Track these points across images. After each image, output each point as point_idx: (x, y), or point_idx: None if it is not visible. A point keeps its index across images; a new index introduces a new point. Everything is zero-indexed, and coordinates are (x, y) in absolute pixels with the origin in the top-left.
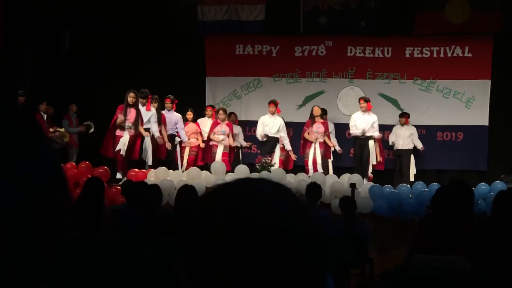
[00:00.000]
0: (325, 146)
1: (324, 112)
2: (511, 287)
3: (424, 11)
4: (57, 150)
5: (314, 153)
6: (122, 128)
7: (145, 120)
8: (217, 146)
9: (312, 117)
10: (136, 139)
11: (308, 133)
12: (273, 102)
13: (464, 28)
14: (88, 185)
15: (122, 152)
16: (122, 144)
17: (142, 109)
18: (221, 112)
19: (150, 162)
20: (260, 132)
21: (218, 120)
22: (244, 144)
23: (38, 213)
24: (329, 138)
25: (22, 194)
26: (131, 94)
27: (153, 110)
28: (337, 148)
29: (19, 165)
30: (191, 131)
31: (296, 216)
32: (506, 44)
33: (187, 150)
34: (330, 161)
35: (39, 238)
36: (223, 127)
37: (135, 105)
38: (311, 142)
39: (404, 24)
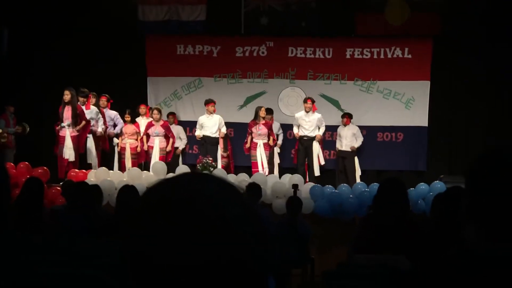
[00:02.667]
0: (269, 147)
1: (270, 112)
2: (450, 285)
3: (364, 12)
4: None
5: (261, 155)
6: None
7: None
8: (152, 147)
9: (256, 118)
10: (80, 138)
11: (252, 134)
12: (211, 102)
13: (404, 30)
14: (27, 185)
15: (72, 159)
16: (68, 153)
17: (82, 108)
18: (155, 112)
19: (94, 162)
20: (199, 132)
21: (153, 122)
22: (183, 145)
23: None
24: (272, 136)
25: None
26: (66, 92)
27: (93, 108)
28: (277, 145)
29: None
30: (129, 132)
31: (242, 215)
32: (445, 46)
33: (127, 154)
34: (276, 162)
35: None
36: (157, 128)
37: (71, 103)
38: (256, 143)
39: (345, 25)
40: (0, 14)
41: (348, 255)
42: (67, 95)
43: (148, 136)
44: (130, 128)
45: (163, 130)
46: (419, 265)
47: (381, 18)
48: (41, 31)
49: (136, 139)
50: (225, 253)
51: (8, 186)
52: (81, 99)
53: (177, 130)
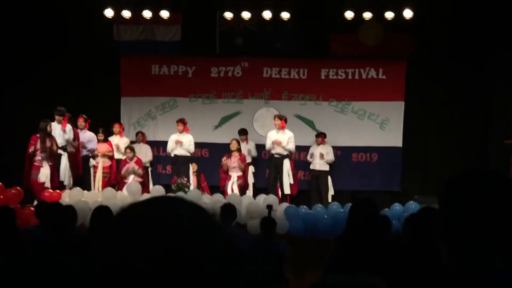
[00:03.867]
0: (243, 178)
1: (244, 132)
2: None
3: (338, 33)
4: None
5: (232, 186)
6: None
7: (61, 138)
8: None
9: (229, 151)
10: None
11: (226, 166)
12: (181, 121)
13: (378, 51)
14: None
15: (47, 184)
16: (45, 176)
17: (58, 126)
18: (128, 151)
19: (67, 182)
20: (170, 150)
21: (127, 159)
22: (148, 161)
23: None
24: (246, 168)
25: None
26: (50, 124)
27: (69, 126)
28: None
29: None
30: (102, 151)
31: (211, 237)
32: (418, 67)
33: (99, 173)
34: (251, 182)
35: None
36: (132, 165)
37: (51, 136)
38: (230, 175)
39: (320, 46)
40: None
41: (322, 275)
42: (50, 127)
43: (126, 174)
44: (103, 147)
45: (138, 167)
46: (394, 286)
47: (355, 39)
48: (15, 51)
49: (109, 158)
50: (193, 274)
51: None
52: (57, 117)
53: (144, 149)
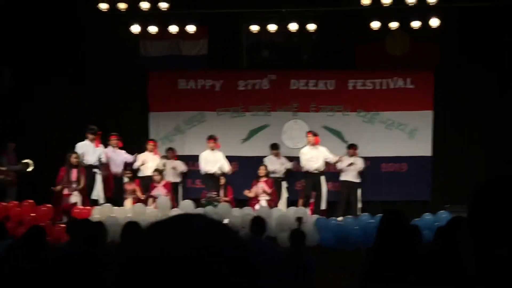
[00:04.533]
0: (268, 202)
1: (276, 147)
2: None
3: (365, 43)
4: None
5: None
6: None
7: (94, 156)
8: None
9: (257, 177)
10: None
11: (250, 191)
12: (212, 138)
13: (404, 60)
14: (29, 234)
15: (79, 205)
16: (75, 198)
17: (91, 145)
18: (155, 173)
19: (101, 200)
20: (203, 168)
21: (155, 183)
22: (184, 169)
23: None
24: (274, 194)
25: None
26: (74, 155)
27: (101, 146)
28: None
29: None
30: (129, 191)
31: (230, 255)
32: (446, 75)
33: (128, 202)
34: (284, 197)
35: None
36: (159, 190)
37: (77, 166)
38: (258, 200)
39: (346, 57)
40: (2, 55)
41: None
42: (75, 158)
43: (152, 197)
44: (130, 186)
45: (165, 191)
46: None
47: (382, 49)
48: (43, 69)
49: (136, 198)
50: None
51: None
52: (90, 136)
53: (175, 164)
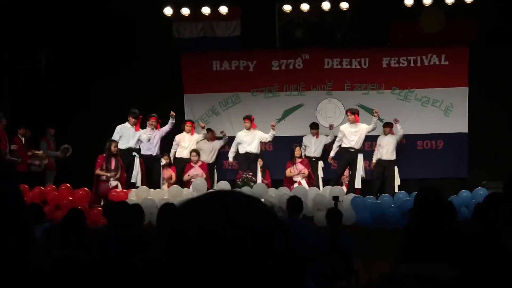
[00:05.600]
0: (308, 183)
1: (315, 126)
2: None
3: (399, 21)
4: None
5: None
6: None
7: (134, 140)
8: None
9: (292, 158)
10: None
11: (290, 172)
12: (248, 118)
13: (440, 37)
14: (69, 217)
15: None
16: (115, 183)
17: (132, 128)
18: (193, 154)
19: (139, 183)
20: (232, 152)
21: (192, 163)
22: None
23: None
24: (311, 174)
25: None
26: (114, 144)
27: (141, 130)
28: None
29: None
30: (166, 177)
31: (270, 231)
32: (482, 51)
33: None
34: (320, 177)
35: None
36: (196, 170)
37: (116, 154)
38: (294, 181)
39: (380, 35)
40: (37, 39)
41: (391, 265)
42: (114, 147)
43: (188, 179)
44: (167, 172)
45: (201, 171)
46: (463, 274)
47: (417, 26)
48: (79, 54)
49: (173, 183)
50: (254, 271)
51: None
52: (131, 119)
53: (214, 145)
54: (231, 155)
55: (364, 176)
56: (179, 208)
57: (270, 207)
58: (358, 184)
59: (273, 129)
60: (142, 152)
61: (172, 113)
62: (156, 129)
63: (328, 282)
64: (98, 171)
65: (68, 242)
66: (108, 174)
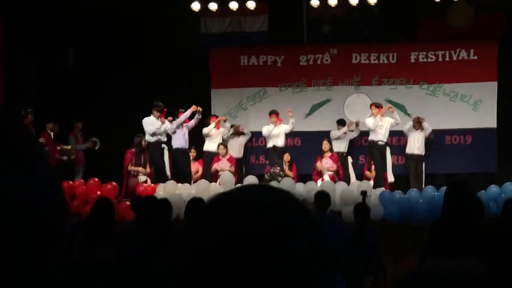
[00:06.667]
0: (335, 178)
1: (342, 122)
2: None
3: (426, 16)
4: (58, 172)
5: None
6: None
7: (160, 132)
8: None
9: (321, 152)
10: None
11: (319, 167)
12: (274, 112)
13: (468, 32)
14: (98, 206)
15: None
16: (144, 178)
17: (157, 121)
18: (221, 147)
19: (168, 173)
20: (266, 135)
21: (220, 156)
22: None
23: (26, 237)
24: (340, 169)
25: (7, 218)
26: (143, 138)
27: (167, 122)
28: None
29: (4, 191)
30: (193, 171)
31: (299, 223)
32: (510, 45)
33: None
34: (352, 173)
35: (28, 261)
36: (224, 162)
37: (145, 149)
38: (322, 175)
39: (408, 30)
40: (65, 35)
41: (419, 261)
42: (144, 141)
43: (216, 171)
44: (194, 166)
45: (229, 164)
46: (493, 270)
47: (444, 22)
48: (104, 49)
49: (198, 177)
50: (281, 265)
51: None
52: (156, 113)
53: (240, 139)
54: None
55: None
56: (209, 202)
57: (301, 200)
58: (391, 178)
59: (291, 117)
60: (174, 146)
61: (199, 108)
62: (185, 122)
63: (355, 278)
64: (130, 167)
65: (95, 238)
66: (140, 169)
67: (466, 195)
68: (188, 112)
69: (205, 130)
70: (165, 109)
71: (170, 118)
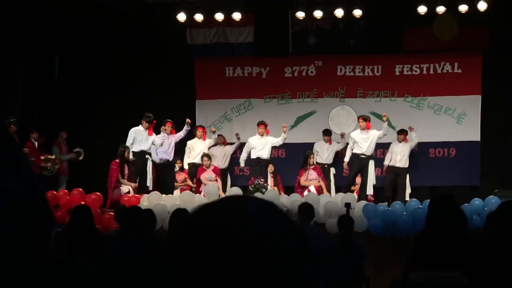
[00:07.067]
0: (320, 190)
1: (328, 133)
2: None
3: (412, 28)
4: (43, 177)
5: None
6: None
7: (148, 143)
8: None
9: (305, 165)
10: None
11: (305, 180)
12: (262, 123)
13: (453, 45)
14: (75, 214)
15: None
16: (127, 189)
17: (145, 132)
18: (205, 159)
19: (149, 183)
20: (243, 157)
21: (204, 167)
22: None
23: (20, 233)
24: (323, 181)
25: (4, 213)
26: (127, 150)
27: (154, 135)
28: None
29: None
30: (180, 180)
31: (285, 233)
32: (495, 59)
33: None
34: (333, 184)
35: (21, 258)
36: (209, 173)
37: (128, 161)
38: (306, 188)
39: (393, 42)
40: (50, 42)
41: (402, 273)
42: (127, 154)
43: (199, 182)
44: (180, 176)
45: (215, 175)
46: (476, 282)
47: (429, 34)
48: (90, 57)
49: (186, 186)
50: (267, 274)
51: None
52: (145, 123)
53: (226, 150)
54: (242, 160)
55: (375, 183)
56: (194, 212)
57: (285, 211)
58: (369, 190)
59: (284, 132)
60: (158, 157)
61: (188, 120)
62: (171, 134)
63: None
64: (122, 180)
65: (78, 247)
66: (132, 185)
67: (451, 206)
68: (182, 133)
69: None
70: (155, 121)
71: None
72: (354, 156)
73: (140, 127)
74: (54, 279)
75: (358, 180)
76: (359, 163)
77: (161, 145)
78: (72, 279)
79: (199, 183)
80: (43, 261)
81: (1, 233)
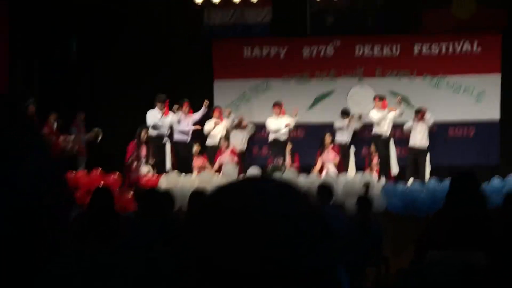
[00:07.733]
0: (337, 169)
1: (346, 113)
2: None
3: (430, 8)
4: (63, 158)
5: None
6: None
7: (165, 127)
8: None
9: (322, 146)
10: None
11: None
12: (277, 104)
13: (471, 24)
14: (96, 196)
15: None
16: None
17: (159, 113)
18: (223, 140)
19: (168, 166)
20: (273, 129)
21: (222, 150)
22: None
23: (20, 233)
24: (341, 161)
25: (4, 213)
26: (144, 131)
27: (171, 114)
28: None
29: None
30: (197, 165)
31: (298, 216)
32: None
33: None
34: (352, 164)
35: (21, 258)
36: (226, 157)
37: (147, 142)
38: (325, 168)
39: (411, 22)
40: (68, 24)
41: (415, 251)
42: (145, 134)
43: (219, 166)
44: (198, 161)
45: (232, 157)
46: (496, 261)
47: (448, 13)
48: (108, 39)
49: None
50: (283, 257)
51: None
52: (159, 104)
53: (243, 133)
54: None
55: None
56: (210, 194)
57: (304, 192)
58: (395, 169)
59: (295, 115)
60: (176, 138)
61: (206, 101)
62: (188, 114)
63: (357, 269)
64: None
65: (97, 229)
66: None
67: (472, 185)
68: (199, 114)
69: (205, 131)
70: (168, 100)
71: (176, 105)
72: (375, 137)
73: (155, 109)
74: (55, 275)
75: (376, 160)
76: (382, 142)
77: (179, 122)
78: (75, 273)
79: (218, 165)
80: (50, 252)
81: (1, 233)
